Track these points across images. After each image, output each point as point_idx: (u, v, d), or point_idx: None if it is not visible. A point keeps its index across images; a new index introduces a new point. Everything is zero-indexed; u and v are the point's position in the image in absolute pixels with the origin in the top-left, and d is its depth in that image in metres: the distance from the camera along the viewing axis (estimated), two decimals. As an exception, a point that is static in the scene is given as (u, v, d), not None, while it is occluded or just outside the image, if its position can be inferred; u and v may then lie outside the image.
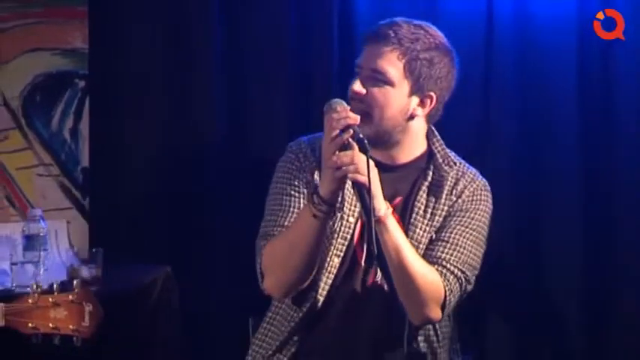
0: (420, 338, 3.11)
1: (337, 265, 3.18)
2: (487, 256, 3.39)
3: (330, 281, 3.18)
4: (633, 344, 3.97)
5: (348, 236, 3.18)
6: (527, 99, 3.97)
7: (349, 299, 3.21)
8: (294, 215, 3.22)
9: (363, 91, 3.11)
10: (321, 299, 3.19)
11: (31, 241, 3.69)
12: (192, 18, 4.04)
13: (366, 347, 3.22)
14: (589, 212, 3.97)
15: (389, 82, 3.11)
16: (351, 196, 3.19)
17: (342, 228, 3.18)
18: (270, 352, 3.23)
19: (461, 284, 3.18)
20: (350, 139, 2.95)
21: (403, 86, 3.13)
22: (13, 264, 3.65)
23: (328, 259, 3.18)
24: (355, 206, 3.17)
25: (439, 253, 3.17)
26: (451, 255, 3.18)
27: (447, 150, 3.27)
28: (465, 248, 3.20)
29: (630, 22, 3.90)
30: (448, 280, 3.16)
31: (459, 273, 3.17)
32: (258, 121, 4.07)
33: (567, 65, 3.91)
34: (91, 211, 4.11)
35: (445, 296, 3.14)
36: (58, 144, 4.12)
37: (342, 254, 3.19)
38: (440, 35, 3.19)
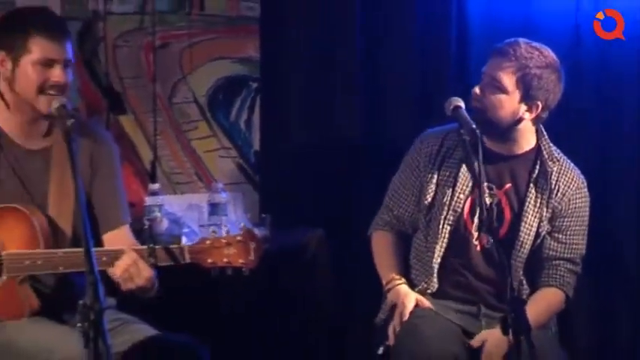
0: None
1: (448, 232, 3.48)
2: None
3: (445, 245, 3.48)
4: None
5: (459, 209, 3.47)
6: (603, 105, 4.20)
7: (461, 259, 3.50)
8: (402, 204, 3.56)
9: (480, 94, 3.40)
10: (439, 260, 3.48)
11: (214, 208, 3.99)
12: (336, 30, 4.36)
13: (474, 299, 3.50)
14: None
15: (504, 90, 3.38)
16: (463, 177, 3.48)
17: (453, 203, 3.47)
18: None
19: (578, 275, 3.54)
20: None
21: (515, 95, 3.39)
22: (200, 226, 3.98)
23: (440, 227, 3.48)
24: (467, 186, 3.47)
25: (564, 255, 3.50)
26: (571, 254, 3.51)
27: (553, 147, 3.51)
28: (579, 244, 3.53)
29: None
30: (568, 281, 3.51)
31: (577, 268, 3.53)
32: (390, 109, 4.33)
33: (634, 76, 4.14)
34: (260, 184, 4.44)
35: (567, 296, 3.51)
36: (235, 132, 4.44)
37: (453, 224, 3.47)
38: (552, 56, 3.41)
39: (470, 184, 3.47)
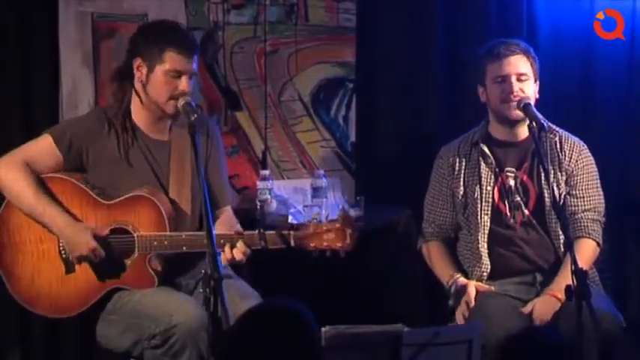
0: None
1: (488, 220, 3.73)
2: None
3: (487, 231, 3.73)
4: None
5: (490, 200, 3.73)
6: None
7: (505, 238, 3.74)
8: (441, 213, 3.78)
9: (522, 91, 3.68)
10: (485, 245, 3.73)
11: (316, 191, 4.21)
12: (421, 35, 4.59)
13: (528, 267, 3.75)
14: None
15: (530, 78, 3.71)
16: (485, 171, 3.72)
17: (484, 195, 3.72)
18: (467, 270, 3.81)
19: (602, 224, 3.77)
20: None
21: (533, 78, 3.73)
22: (304, 206, 4.21)
23: (479, 218, 3.73)
24: (490, 178, 3.73)
25: (584, 207, 3.73)
26: (590, 204, 3.75)
27: (549, 123, 3.72)
28: (594, 195, 3.77)
29: None
30: (594, 228, 3.71)
31: (599, 216, 3.76)
32: (467, 103, 4.42)
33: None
34: (356, 171, 4.63)
35: (598, 244, 3.75)
36: (334, 126, 4.64)
37: (489, 212, 3.73)
38: None
39: (492, 176, 3.72)
